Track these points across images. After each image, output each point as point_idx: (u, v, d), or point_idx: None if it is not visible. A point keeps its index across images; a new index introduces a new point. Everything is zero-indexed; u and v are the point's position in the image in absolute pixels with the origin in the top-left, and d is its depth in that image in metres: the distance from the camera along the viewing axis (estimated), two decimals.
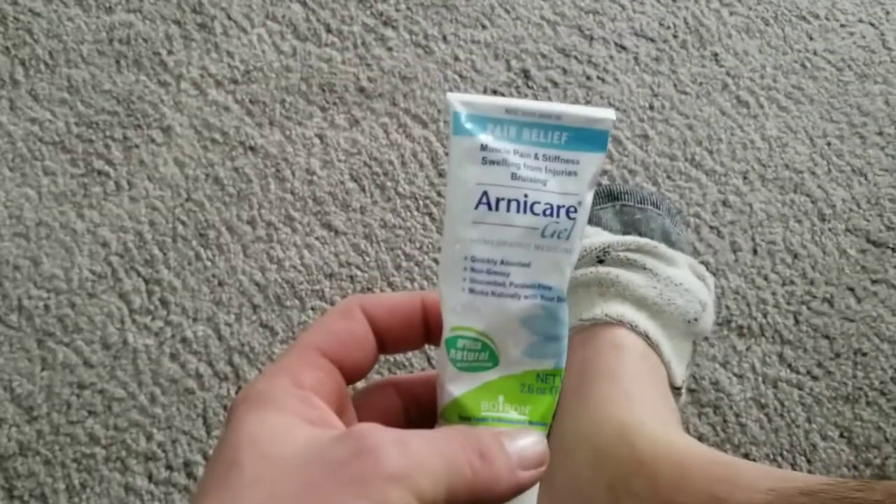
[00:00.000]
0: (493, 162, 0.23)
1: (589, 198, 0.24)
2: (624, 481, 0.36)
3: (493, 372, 0.24)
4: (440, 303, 0.24)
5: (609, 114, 0.24)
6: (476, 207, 0.23)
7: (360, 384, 0.27)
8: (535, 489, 0.25)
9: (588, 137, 0.24)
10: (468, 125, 0.23)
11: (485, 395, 0.24)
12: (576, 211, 0.24)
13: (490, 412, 0.24)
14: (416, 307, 0.25)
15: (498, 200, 0.23)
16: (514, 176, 0.23)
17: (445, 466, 0.20)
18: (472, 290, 0.24)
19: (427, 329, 0.26)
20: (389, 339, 0.25)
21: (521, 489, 0.23)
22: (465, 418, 0.24)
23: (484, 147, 0.23)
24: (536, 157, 0.24)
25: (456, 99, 0.23)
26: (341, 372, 0.24)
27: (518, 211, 0.24)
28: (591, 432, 0.39)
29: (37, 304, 0.53)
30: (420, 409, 0.27)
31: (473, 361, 0.24)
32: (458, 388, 0.24)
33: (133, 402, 0.51)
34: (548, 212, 0.24)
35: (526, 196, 0.24)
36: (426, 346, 0.51)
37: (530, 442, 0.23)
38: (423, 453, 0.20)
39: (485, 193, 0.23)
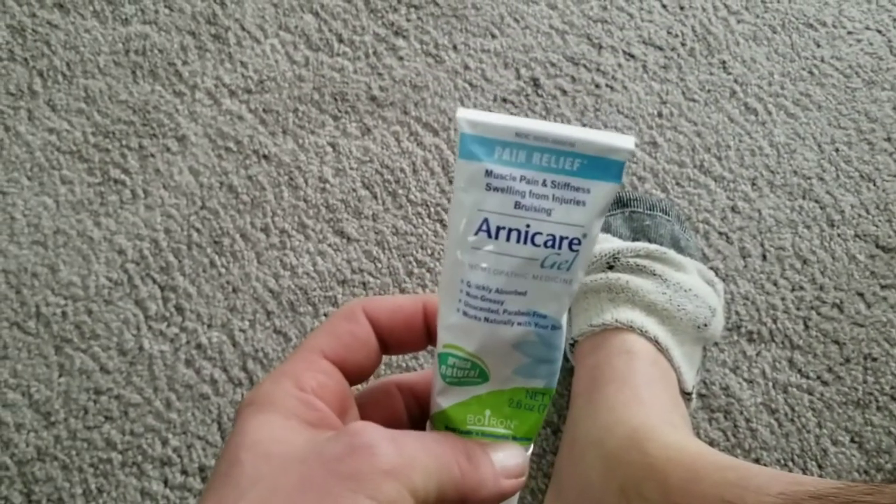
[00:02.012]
0: (497, 189, 0.22)
1: (596, 227, 0.23)
2: (635, 485, 0.36)
3: (482, 387, 0.25)
4: (438, 313, 0.25)
5: (627, 143, 0.22)
6: (476, 233, 0.23)
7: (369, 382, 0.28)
8: (515, 498, 0.26)
9: (603, 166, 0.22)
10: (475, 148, 0.22)
11: (472, 409, 0.25)
12: (579, 243, 0.23)
13: (474, 426, 0.25)
14: (417, 310, 0.26)
15: (498, 229, 0.22)
16: (517, 205, 0.22)
17: (436, 464, 0.21)
18: (465, 314, 0.23)
19: (428, 331, 0.26)
20: (392, 341, 0.26)
21: (503, 496, 0.24)
22: (451, 429, 0.25)
23: (489, 173, 0.22)
24: (545, 183, 0.22)
25: (465, 118, 0.22)
26: (344, 373, 0.25)
27: (518, 241, 0.23)
28: (602, 437, 0.39)
29: (54, 311, 0.54)
30: (421, 408, 0.28)
31: (463, 378, 0.24)
32: (446, 400, 0.25)
33: (149, 408, 0.51)
34: (549, 243, 0.23)
35: (528, 226, 0.22)
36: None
37: (511, 453, 0.24)
38: (416, 451, 0.21)
39: (485, 221, 0.22)
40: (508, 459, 0.24)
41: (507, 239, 0.23)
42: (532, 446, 0.26)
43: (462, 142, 0.22)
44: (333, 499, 0.19)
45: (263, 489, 0.20)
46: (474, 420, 0.25)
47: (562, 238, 0.23)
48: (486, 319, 0.23)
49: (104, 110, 0.60)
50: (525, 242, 0.23)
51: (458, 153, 0.22)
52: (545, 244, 0.23)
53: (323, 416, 0.23)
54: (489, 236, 0.23)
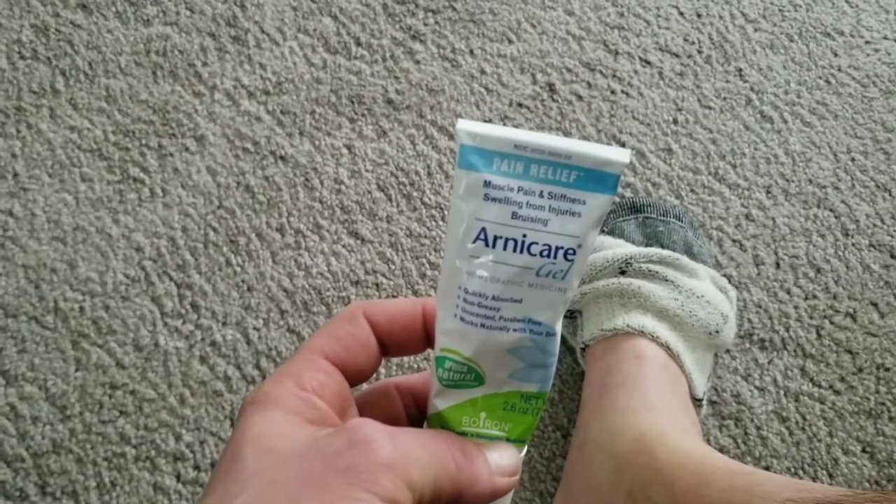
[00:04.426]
0: (494, 199, 0.23)
1: (591, 238, 0.24)
2: (643, 489, 0.36)
3: (478, 390, 0.25)
4: (436, 318, 0.25)
5: (622, 156, 0.23)
6: (473, 242, 0.23)
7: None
8: (509, 497, 0.26)
9: (598, 178, 0.23)
10: (474, 159, 0.23)
11: (467, 411, 0.25)
12: (574, 253, 0.23)
13: (469, 427, 0.25)
14: (416, 314, 0.26)
15: (495, 238, 0.23)
16: (514, 215, 0.23)
17: (432, 459, 0.22)
18: (462, 319, 0.24)
19: (427, 334, 0.27)
20: (391, 343, 0.26)
21: (497, 493, 0.24)
22: (447, 430, 0.25)
23: (487, 184, 0.23)
24: (541, 194, 0.23)
25: (464, 129, 0.22)
26: (344, 374, 0.25)
27: (514, 250, 0.23)
28: (611, 440, 0.40)
29: (72, 307, 0.54)
30: (419, 409, 0.28)
31: (459, 381, 0.25)
32: (442, 402, 0.25)
33: (163, 403, 0.52)
34: (545, 253, 0.23)
35: (524, 236, 0.23)
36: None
37: (505, 453, 0.25)
38: (413, 446, 0.22)
39: (483, 230, 0.23)
40: (503, 459, 0.25)
41: (504, 248, 0.23)
42: (526, 448, 0.27)
43: (461, 152, 0.23)
44: (332, 491, 0.20)
45: (264, 482, 0.20)
46: (469, 422, 0.25)
47: (557, 248, 0.23)
48: (483, 325, 0.24)
49: (125, 109, 0.60)
50: (521, 252, 0.23)
51: (458, 163, 0.23)
52: (541, 254, 0.23)
53: (323, 415, 0.23)
54: (486, 245, 0.23)
